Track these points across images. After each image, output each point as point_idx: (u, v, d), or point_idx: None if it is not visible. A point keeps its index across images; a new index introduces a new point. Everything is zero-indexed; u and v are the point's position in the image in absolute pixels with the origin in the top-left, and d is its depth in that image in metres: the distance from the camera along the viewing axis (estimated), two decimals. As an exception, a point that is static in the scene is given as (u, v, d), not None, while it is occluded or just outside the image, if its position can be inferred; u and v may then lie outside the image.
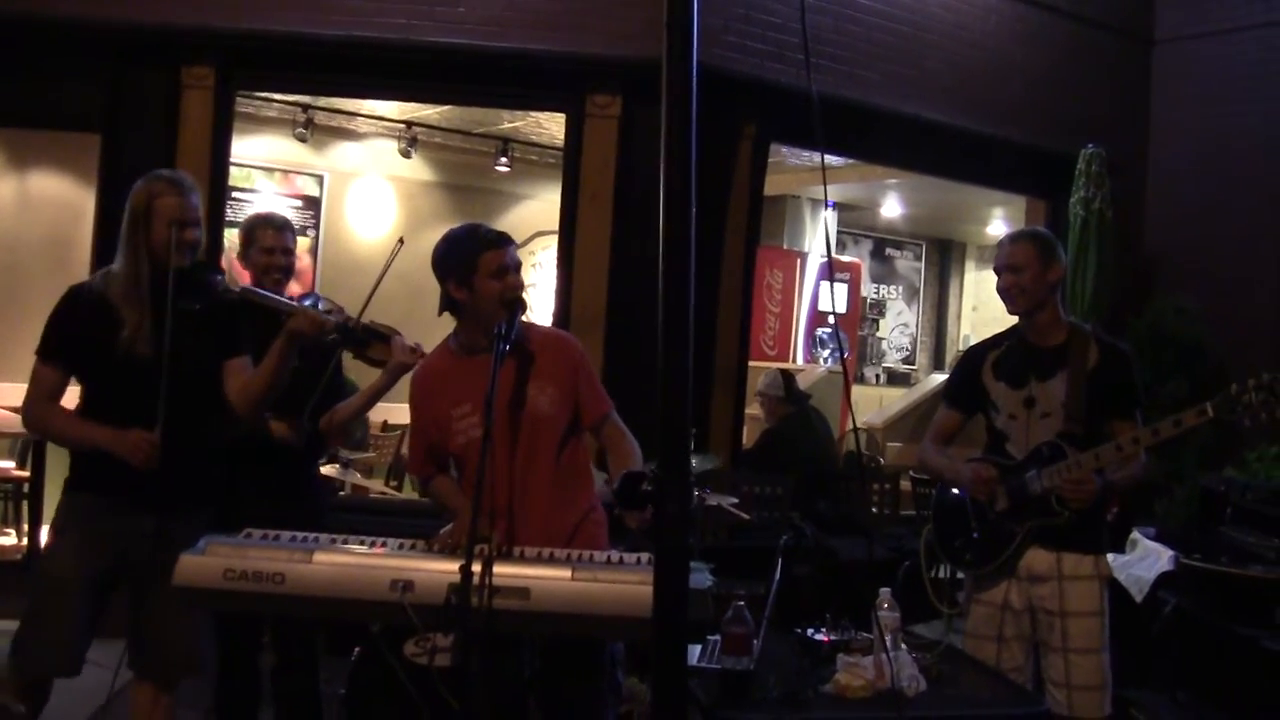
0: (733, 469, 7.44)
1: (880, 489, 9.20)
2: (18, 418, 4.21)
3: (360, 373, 4.69)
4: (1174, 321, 8.89)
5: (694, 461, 5.99)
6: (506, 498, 3.59)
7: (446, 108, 10.71)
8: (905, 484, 9.06)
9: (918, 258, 17.54)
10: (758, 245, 8.25)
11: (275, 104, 10.87)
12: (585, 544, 3.56)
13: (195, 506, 3.88)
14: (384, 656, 3.50)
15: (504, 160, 12.02)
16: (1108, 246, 8.58)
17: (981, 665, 4.03)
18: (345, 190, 12.36)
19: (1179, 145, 9.81)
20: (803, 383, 9.37)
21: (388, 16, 7.08)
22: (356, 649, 4.11)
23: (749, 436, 8.95)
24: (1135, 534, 6.43)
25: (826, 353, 14.16)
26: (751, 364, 8.40)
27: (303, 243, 11.87)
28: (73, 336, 3.77)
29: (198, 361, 3.80)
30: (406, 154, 11.76)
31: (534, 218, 12.35)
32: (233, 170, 8.33)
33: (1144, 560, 6.12)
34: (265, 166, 11.75)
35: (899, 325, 17.29)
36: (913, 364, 17.37)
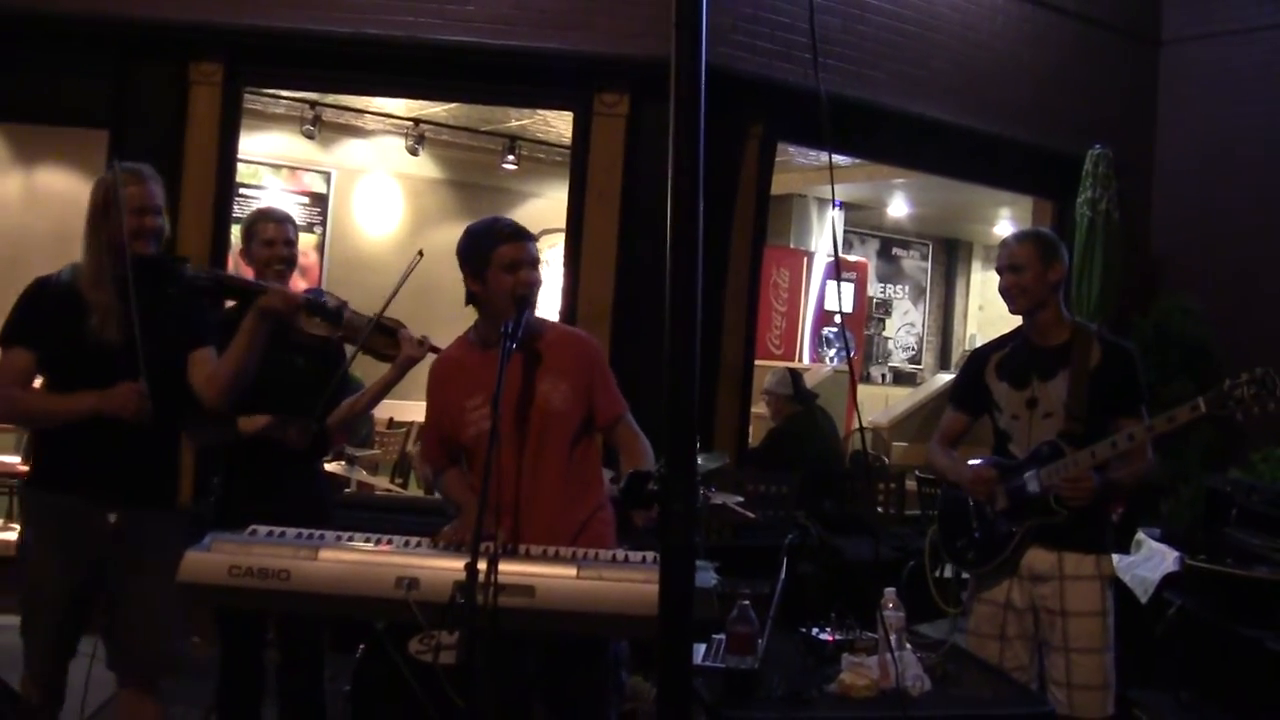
0: (738, 468, 7.43)
1: (886, 488, 9.19)
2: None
3: (367, 371, 4.69)
4: (1180, 321, 8.89)
5: (699, 460, 6.00)
6: (514, 493, 3.58)
7: (454, 105, 10.72)
8: (911, 484, 9.05)
9: (924, 257, 17.53)
10: (764, 244, 8.25)
11: (283, 101, 10.89)
12: (592, 541, 3.56)
13: (160, 504, 3.87)
14: (389, 654, 3.51)
15: (511, 158, 12.04)
16: (1114, 247, 8.56)
17: (986, 665, 4.02)
18: (352, 187, 12.39)
19: (1185, 146, 9.80)
20: (808, 382, 9.37)
21: (396, 14, 7.09)
22: (361, 646, 4.12)
23: (755, 435, 8.95)
24: (1140, 534, 6.42)
25: (832, 352, 14.15)
26: (757, 363, 8.39)
27: (310, 240, 11.90)
28: (39, 324, 3.73)
29: (165, 351, 3.77)
30: (414, 151, 11.78)
31: (541, 216, 12.36)
32: (240, 167, 8.34)
33: (1149, 561, 6.12)
34: (273, 163, 11.77)
35: (905, 325, 17.29)
36: (918, 363, 17.37)
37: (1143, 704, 5.41)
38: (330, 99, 10.79)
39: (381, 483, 7.87)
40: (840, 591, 5.82)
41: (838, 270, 13.71)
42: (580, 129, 7.51)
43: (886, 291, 17.04)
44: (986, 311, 17.23)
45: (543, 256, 3.96)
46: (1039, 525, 4.07)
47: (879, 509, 9.04)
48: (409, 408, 10.53)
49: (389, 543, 3.23)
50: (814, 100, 2.75)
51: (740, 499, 6.20)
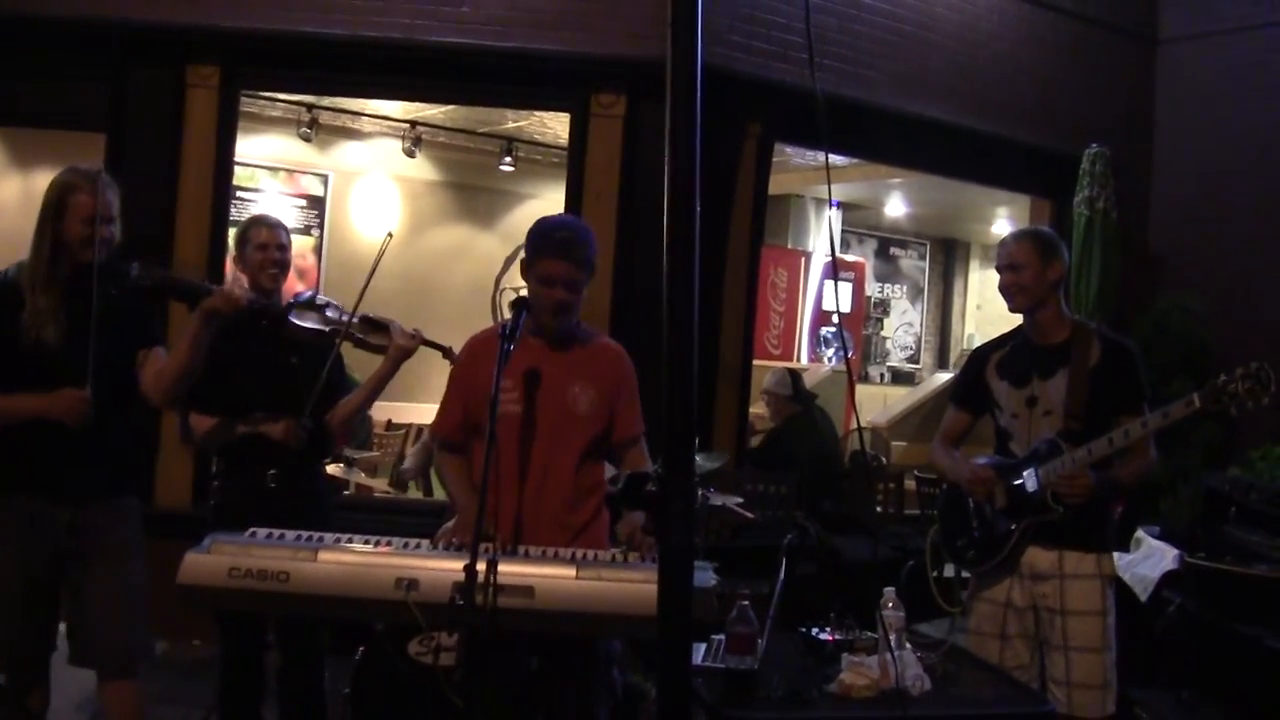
0: (737, 468, 7.44)
1: (885, 488, 9.20)
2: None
3: (367, 373, 4.70)
4: (1178, 321, 8.88)
5: (698, 460, 6.00)
6: (520, 487, 3.60)
7: (451, 107, 10.72)
8: (910, 483, 9.06)
9: (922, 257, 17.53)
10: (762, 244, 8.25)
11: (280, 103, 10.88)
12: (590, 544, 3.58)
13: (113, 495, 3.89)
14: (389, 655, 3.51)
15: (508, 160, 12.04)
16: (1112, 246, 8.56)
17: (986, 664, 4.02)
18: (350, 190, 12.38)
19: (1183, 145, 9.79)
20: (807, 382, 9.37)
21: (392, 16, 7.09)
22: (361, 648, 4.12)
23: (754, 435, 8.95)
24: (1140, 533, 6.43)
25: (830, 352, 14.15)
26: (756, 363, 8.40)
27: (307, 242, 11.90)
28: None
29: (111, 351, 3.79)
30: (411, 153, 11.78)
31: (537, 217, 12.32)
32: (237, 170, 8.34)
33: (1149, 559, 6.12)
34: (270, 166, 11.76)
35: (903, 324, 17.29)
36: (917, 363, 17.36)
37: (1143, 703, 5.40)
38: (327, 101, 10.79)
39: (380, 485, 7.87)
40: (840, 591, 5.82)
41: (835, 270, 13.72)
42: (577, 130, 7.51)
43: (884, 291, 17.03)
44: (985, 311, 17.22)
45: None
46: (1038, 523, 4.07)
47: (878, 509, 9.05)
48: (408, 409, 10.56)
49: (388, 544, 3.23)
50: (811, 100, 2.76)
51: (739, 499, 6.20)
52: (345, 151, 12.25)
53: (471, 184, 12.83)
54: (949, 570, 4.59)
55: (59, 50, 6.98)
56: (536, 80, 7.50)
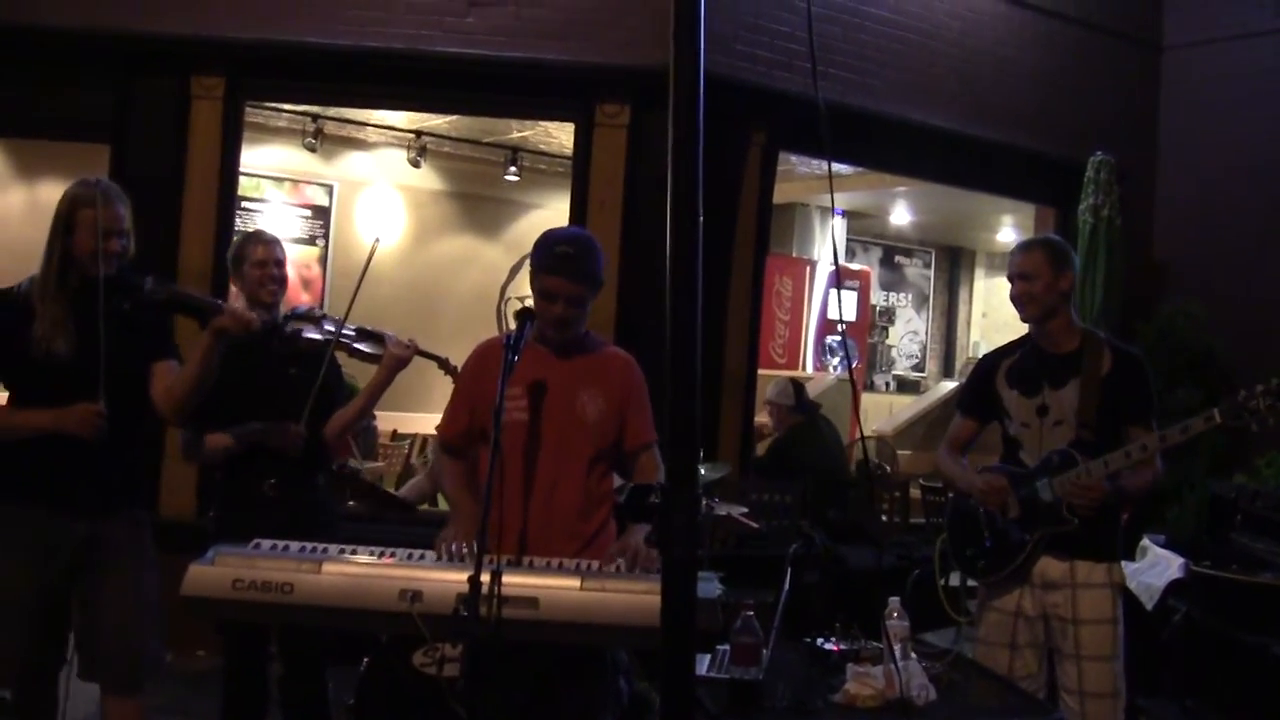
0: (742, 477, 7.42)
1: (890, 497, 9.19)
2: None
3: (367, 380, 4.71)
4: (1183, 327, 8.87)
5: (703, 470, 5.99)
6: (526, 497, 3.59)
7: (455, 117, 10.74)
8: (915, 492, 9.05)
9: (927, 265, 17.53)
10: (767, 253, 8.24)
11: (285, 114, 10.90)
12: (596, 555, 3.57)
13: (127, 508, 3.89)
14: (393, 666, 3.51)
15: (513, 169, 12.06)
16: (1116, 253, 8.56)
17: (992, 674, 4.02)
18: (355, 200, 12.40)
19: (1188, 152, 9.78)
20: (812, 390, 9.37)
21: (397, 26, 7.10)
22: (365, 659, 4.12)
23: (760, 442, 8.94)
24: (1145, 541, 6.41)
25: (836, 360, 14.15)
26: (761, 372, 8.39)
27: (312, 252, 11.92)
28: None
29: (123, 365, 3.78)
30: (416, 163, 11.79)
31: (543, 227, 12.22)
32: (242, 180, 8.35)
33: (1154, 568, 6.10)
34: (275, 176, 11.78)
35: (909, 333, 17.28)
36: (922, 371, 17.36)
37: (1149, 711, 5.40)
38: (332, 112, 10.81)
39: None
40: (845, 601, 5.82)
41: (840, 279, 13.72)
42: (582, 140, 7.51)
43: (890, 299, 17.04)
44: (990, 319, 17.22)
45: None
46: (1050, 534, 4.06)
47: (883, 518, 9.04)
48: (413, 420, 10.56)
49: (392, 555, 3.23)
50: (815, 109, 2.75)
51: (744, 509, 6.19)
52: (350, 161, 12.27)
53: (476, 194, 12.85)
54: (954, 579, 4.58)
55: (64, 61, 7.00)
56: (541, 90, 7.52)
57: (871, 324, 16.15)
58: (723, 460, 7.03)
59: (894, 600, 3.74)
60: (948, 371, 17.31)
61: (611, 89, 7.30)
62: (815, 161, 11.26)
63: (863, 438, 7.50)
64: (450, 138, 11.84)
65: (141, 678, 3.90)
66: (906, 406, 14.43)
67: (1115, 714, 4.02)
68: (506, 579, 2.93)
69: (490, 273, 10.44)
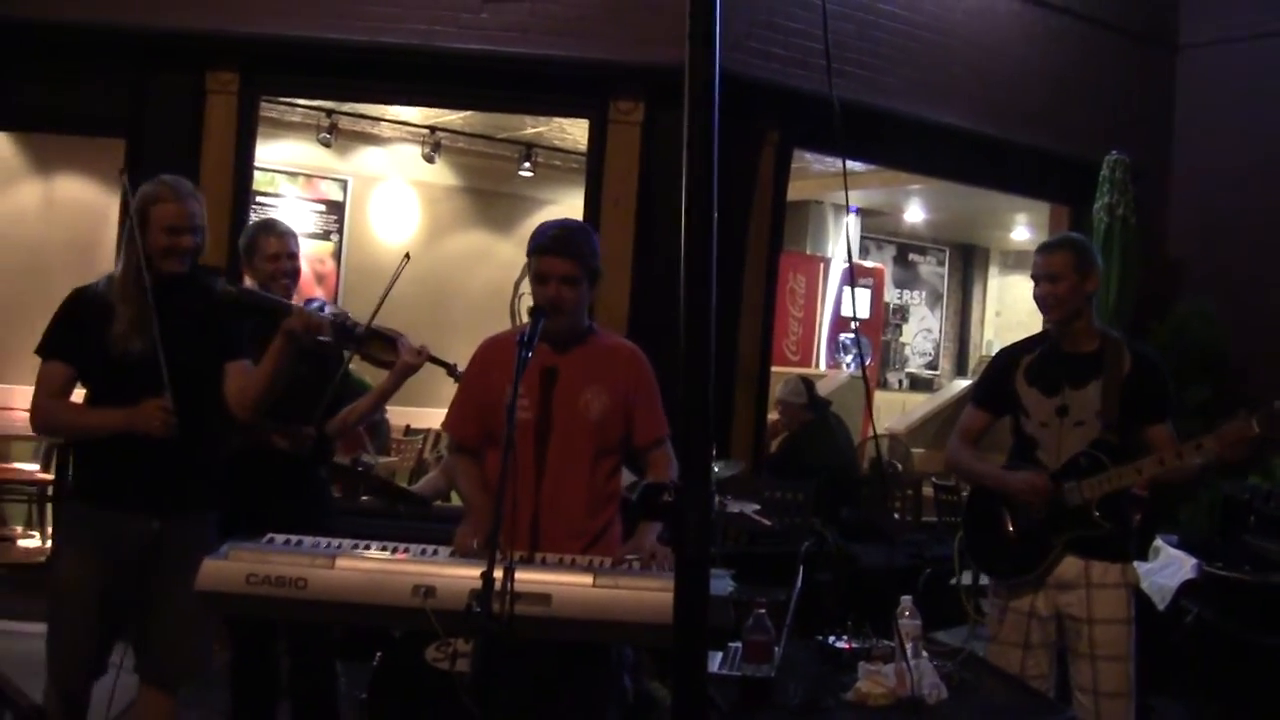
0: (754, 475, 7.43)
1: (902, 496, 9.18)
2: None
3: (376, 376, 4.71)
4: (1197, 327, 8.86)
5: (716, 467, 5.99)
6: (535, 493, 3.59)
7: (470, 113, 10.72)
8: (928, 490, 9.03)
9: (941, 263, 17.48)
10: (780, 250, 8.23)
11: (299, 109, 10.90)
12: (604, 551, 3.57)
13: (198, 509, 3.89)
14: (405, 662, 3.51)
15: (527, 165, 12.05)
16: (1131, 252, 8.55)
17: (1003, 673, 4.01)
18: (369, 195, 12.39)
19: (1203, 151, 9.76)
20: (825, 388, 9.37)
21: (411, 22, 7.11)
22: (379, 654, 4.13)
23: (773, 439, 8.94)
24: (1158, 541, 6.40)
25: (849, 358, 14.13)
26: (774, 369, 8.39)
27: (326, 247, 11.92)
28: (72, 334, 3.79)
29: (197, 363, 3.81)
30: (430, 159, 11.79)
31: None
32: (256, 175, 8.35)
33: (1167, 568, 6.09)
34: (289, 171, 11.78)
35: (922, 330, 17.25)
36: (936, 369, 17.32)
37: (1160, 712, 5.39)
38: (346, 107, 10.81)
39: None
40: (857, 599, 5.82)
41: (853, 276, 13.71)
42: (596, 136, 7.52)
43: (903, 297, 17.00)
44: (1004, 317, 17.16)
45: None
46: (1078, 537, 4.05)
47: (895, 516, 9.03)
48: (426, 415, 10.56)
49: (405, 551, 3.24)
50: (829, 107, 2.75)
51: (757, 506, 6.19)
52: (365, 157, 12.27)
53: (490, 189, 12.84)
54: (967, 578, 4.57)
55: (79, 57, 7.03)
56: (555, 86, 7.52)
57: (885, 322, 16.11)
58: (735, 457, 7.04)
59: (906, 598, 3.73)
60: (961, 370, 17.27)
61: (626, 86, 7.30)
62: (829, 159, 11.23)
63: (875, 435, 7.47)
64: (464, 133, 11.83)
65: (188, 678, 3.93)
66: (919, 404, 14.41)
67: (1128, 713, 4.02)
68: (519, 575, 2.93)
69: (503, 268, 10.43)
